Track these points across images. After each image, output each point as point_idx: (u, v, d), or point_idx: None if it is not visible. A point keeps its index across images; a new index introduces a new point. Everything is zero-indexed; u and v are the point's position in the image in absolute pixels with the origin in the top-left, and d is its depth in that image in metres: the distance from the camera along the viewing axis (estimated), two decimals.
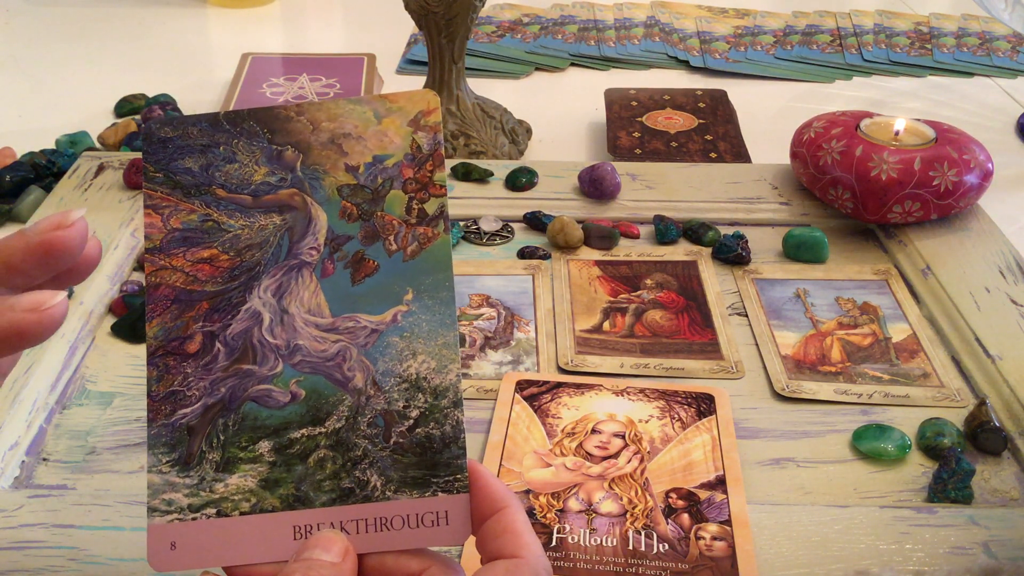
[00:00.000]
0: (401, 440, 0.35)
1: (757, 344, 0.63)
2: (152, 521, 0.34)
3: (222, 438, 0.35)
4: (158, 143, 0.37)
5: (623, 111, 0.96)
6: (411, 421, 0.35)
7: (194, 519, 0.34)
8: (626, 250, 0.72)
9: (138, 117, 0.95)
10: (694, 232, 0.74)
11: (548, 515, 0.49)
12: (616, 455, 0.53)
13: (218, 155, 0.37)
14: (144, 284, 0.36)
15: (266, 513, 0.34)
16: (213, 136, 0.37)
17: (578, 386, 0.58)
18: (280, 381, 0.35)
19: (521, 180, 0.78)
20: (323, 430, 0.35)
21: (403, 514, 0.34)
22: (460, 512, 0.34)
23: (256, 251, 0.36)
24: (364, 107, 0.38)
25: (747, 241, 0.72)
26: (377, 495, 0.34)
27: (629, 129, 0.92)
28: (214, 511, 0.34)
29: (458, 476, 0.34)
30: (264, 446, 0.35)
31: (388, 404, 0.35)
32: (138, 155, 0.80)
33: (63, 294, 0.31)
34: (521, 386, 0.58)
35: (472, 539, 0.34)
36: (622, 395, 0.58)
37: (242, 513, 0.34)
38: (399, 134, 0.37)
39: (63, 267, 0.32)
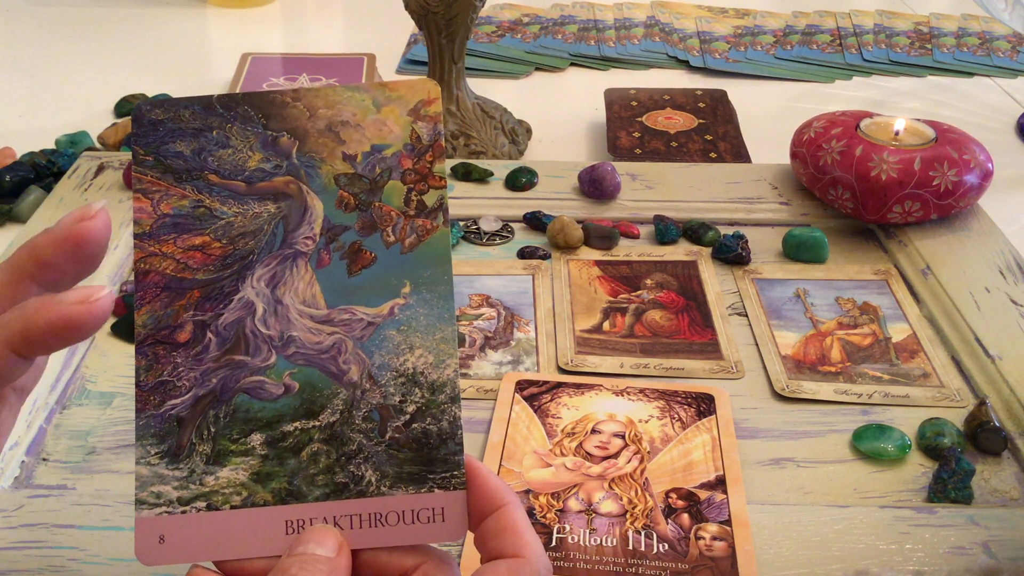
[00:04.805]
0: (397, 435, 0.34)
1: (757, 344, 0.63)
2: (140, 514, 0.33)
3: (213, 430, 0.34)
4: (148, 125, 0.36)
5: (623, 111, 0.95)
6: (407, 416, 0.34)
7: (183, 512, 0.33)
8: (626, 250, 0.72)
9: None
10: (694, 232, 0.74)
11: (548, 515, 0.49)
12: (616, 455, 0.53)
13: (211, 139, 0.36)
14: (133, 271, 0.36)
15: (258, 507, 0.33)
16: (206, 120, 0.36)
17: (578, 386, 0.58)
18: (273, 373, 0.34)
19: (521, 180, 0.78)
20: (317, 423, 0.34)
21: (398, 510, 0.33)
22: (456, 509, 0.33)
23: (250, 239, 0.35)
24: (363, 95, 0.37)
25: (747, 241, 0.72)
26: (372, 490, 0.33)
27: (629, 129, 0.92)
28: (204, 504, 0.33)
29: (455, 472, 0.34)
30: (256, 439, 0.34)
31: (384, 398, 0.34)
32: None
33: (109, 287, 0.32)
34: (521, 386, 0.58)
35: (472, 537, 0.34)
36: (622, 395, 0.58)
37: (233, 507, 0.33)
38: (398, 123, 0.36)
39: (91, 257, 0.32)
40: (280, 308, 0.35)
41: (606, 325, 0.65)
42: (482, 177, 0.79)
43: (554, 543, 0.47)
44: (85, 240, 0.32)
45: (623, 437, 0.54)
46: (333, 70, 1.04)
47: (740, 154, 0.88)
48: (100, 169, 0.78)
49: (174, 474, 0.34)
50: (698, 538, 0.48)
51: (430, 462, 0.34)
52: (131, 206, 0.72)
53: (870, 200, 0.71)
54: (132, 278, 0.68)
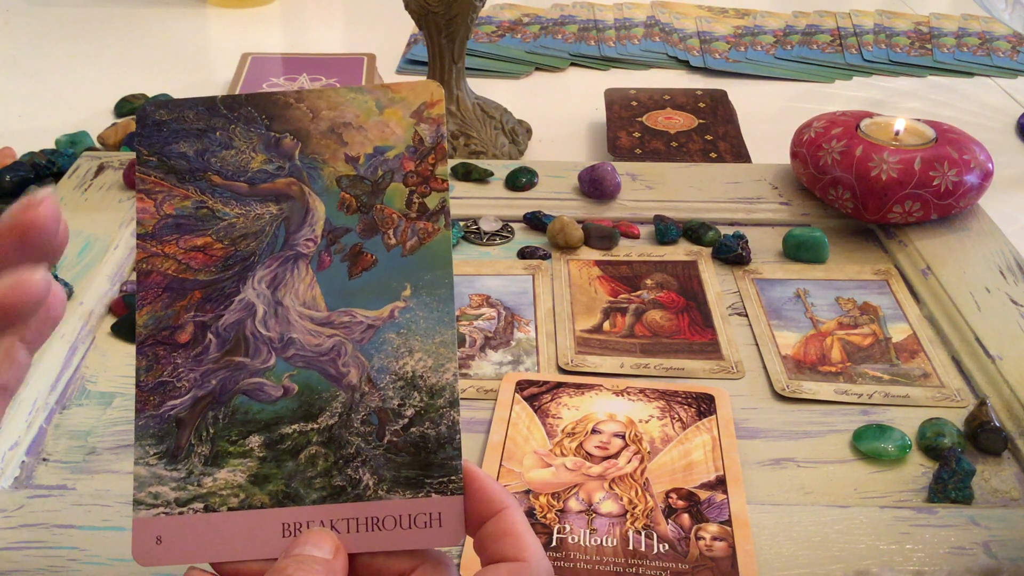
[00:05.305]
0: (395, 439, 0.34)
1: (757, 344, 0.63)
2: (137, 514, 0.33)
3: (212, 431, 0.34)
4: (152, 126, 0.36)
5: (623, 111, 0.95)
6: (406, 420, 0.34)
7: (180, 513, 0.33)
8: (626, 250, 0.72)
9: None
10: (694, 232, 0.73)
11: (548, 515, 0.49)
12: (616, 455, 0.53)
13: (214, 140, 0.36)
14: (135, 272, 0.36)
15: (255, 509, 0.33)
16: (210, 120, 0.36)
17: (578, 386, 0.58)
18: (272, 375, 0.34)
19: (521, 180, 0.78)
20: (315, 426, 0.34)
21: (395, 514, 0.33)
22: (453, 514, 0.33)
23: (251, 241, 0.35)
24: (366, 96, 0.37)
25: (747, 241, 0.72)
26: (369, 494, 0.33)
27: (629, 129, 0.92)
28: (201, 506, 0.33)
29: (452, 477, 0.33)
30: (254, 441, 0.34)
31: (383, 402, 0.34)
32: None
33: (43, 269, 0.30)
34: (521, 386, 0.58)
35: (472, 541, 0.34)
36: (622, 395, 0.58)
37: (230, 509, 0.33)
38: (401, 125, 0.36)
39: (40, 246, 0.31)
40: (280, 310, 0.35)
41: (606, 325, 0.65)
42: (482, 177, 0.79)
43: (554, 543, 0.47)
44: (30, 229, 0.30)
45: (623, 437, 0.54)
46: (333, 70, 1.04)
47: (740, 154, 0.88)
48: (100, 169, 0.78)
49: (172, 475, 0.34)
50: (698, 538, 0.48)
51: (427, 467, 0.34)
52: (132, 206, 0.72)
53: (870, 200, 0.71)
54: (132, 278, 0.68)
